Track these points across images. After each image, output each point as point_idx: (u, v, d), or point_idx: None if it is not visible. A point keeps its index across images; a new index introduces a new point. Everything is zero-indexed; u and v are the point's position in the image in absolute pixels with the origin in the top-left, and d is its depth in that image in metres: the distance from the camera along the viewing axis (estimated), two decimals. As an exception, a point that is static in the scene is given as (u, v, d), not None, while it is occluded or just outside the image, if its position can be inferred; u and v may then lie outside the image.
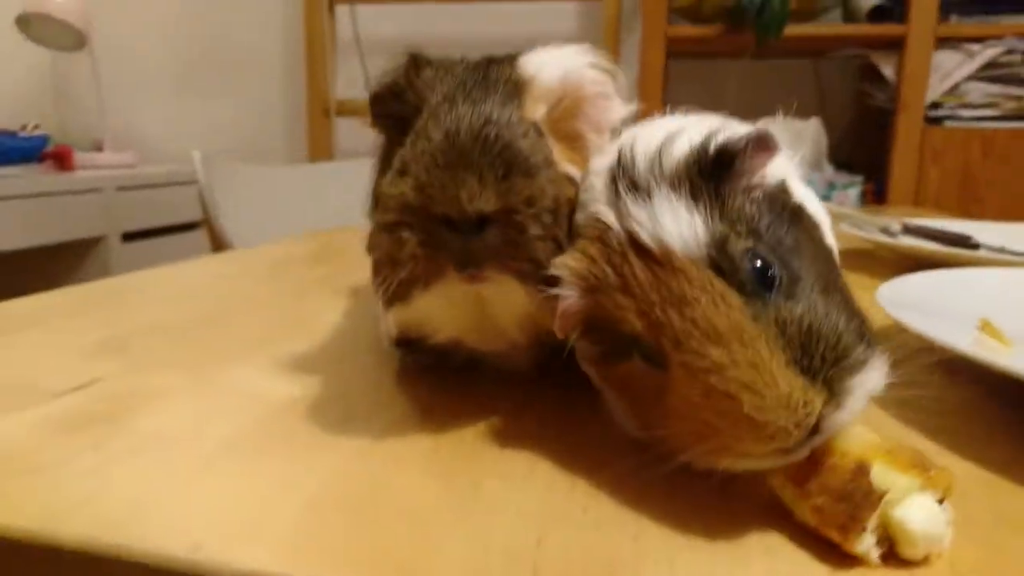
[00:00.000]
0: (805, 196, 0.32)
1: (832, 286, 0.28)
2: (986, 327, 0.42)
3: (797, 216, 0.30)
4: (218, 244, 1.31)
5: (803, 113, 1.74)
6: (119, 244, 2.00)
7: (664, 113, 0.35)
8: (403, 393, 0.38)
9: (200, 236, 1.55)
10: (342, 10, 2.21)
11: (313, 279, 0.70)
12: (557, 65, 0.33)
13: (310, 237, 0.96)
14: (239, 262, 0.80)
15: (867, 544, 0.23)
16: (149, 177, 2.11)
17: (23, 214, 1.74)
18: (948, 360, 0.35)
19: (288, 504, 0.26)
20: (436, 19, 2.21)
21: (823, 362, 0.25)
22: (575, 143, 0.34)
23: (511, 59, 0.34)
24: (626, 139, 0.32)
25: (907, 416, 0.35)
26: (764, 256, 0.27)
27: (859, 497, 0.23)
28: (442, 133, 0.29)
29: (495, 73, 0.32)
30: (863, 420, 0.27)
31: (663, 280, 0.26)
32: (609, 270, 0.28)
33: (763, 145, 0.29)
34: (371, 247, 0.33)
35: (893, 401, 0.35)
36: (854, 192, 1.63)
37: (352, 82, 2.20)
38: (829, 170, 1.72)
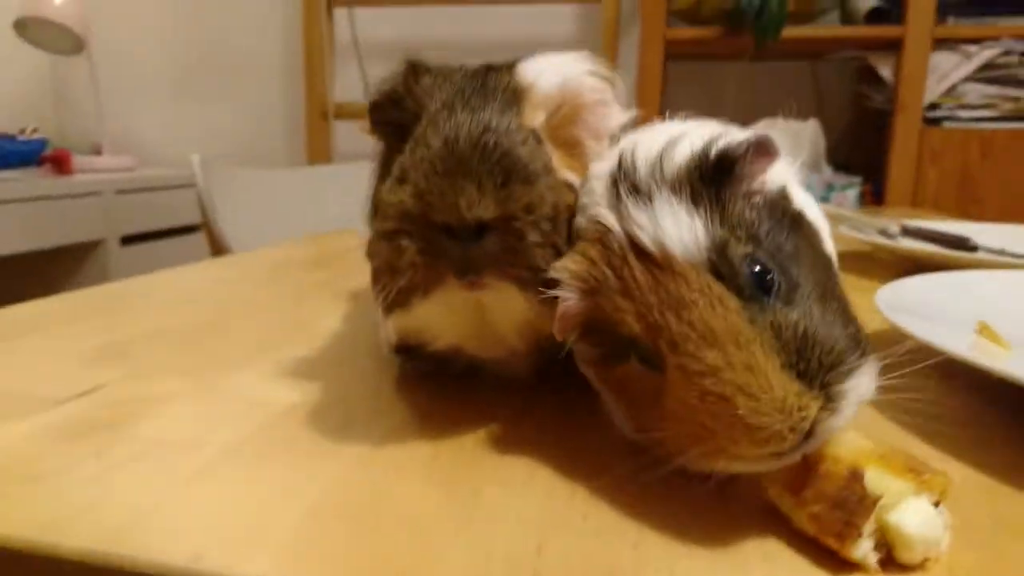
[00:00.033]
0: (805, 202, 0.33)
1: (830, 293, 0.28)
2: (984, 330, 0.43)
3: (797, 223, 0.30)
4: (217, 248, 1.31)
5: (801, 114, 1.75)
6: (118, 248, 2.00)
7: (664, 118, 0.35)
8: (403, 399, 0.38)
9: (199, 239, 1.55)
10: (340, 13, 2.22)
11: (313, 283, 0.70)
12: (556, 72, 0.33)
13: (309, 241, 0.96)
14: (239, 266, 0.80)
15: (864, 550, 0.23)
16: (148, 180, 2.11)
17: (22, 218, 1.74)
18: (946, 364, 0.35)
19: (289, 512, 0.27)
20: (434, 22, 2.22)
21: (819, 367, 0.25)
22: (574, 150, 0.34)
23: (509, 66, 0.34)
24: (627, 144, 0.32)
25: (905, 420, 0.35)
26: (763, 261, 0.27)
27: (854, 503, 0.24)
28: (441, 141, 0.30)
29: (494, 80, 0.32)
30: (859, 426, 0.27)
31: (662, 283, 0.27)
32: (609, 272, 0.28)
33: (763, 150, 0.29)
34: (370, 254, 0.33)
35: (891, 406, 0.35)
36: (852, 193, 1.64)
37: (350, 85, 2.20)
38: (828, 171, 1.72)
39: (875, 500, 0.23)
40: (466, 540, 0.25)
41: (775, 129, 1.65)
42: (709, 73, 2.09)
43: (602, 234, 0.29)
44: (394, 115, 0.33)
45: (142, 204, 2.07)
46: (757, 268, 0.27)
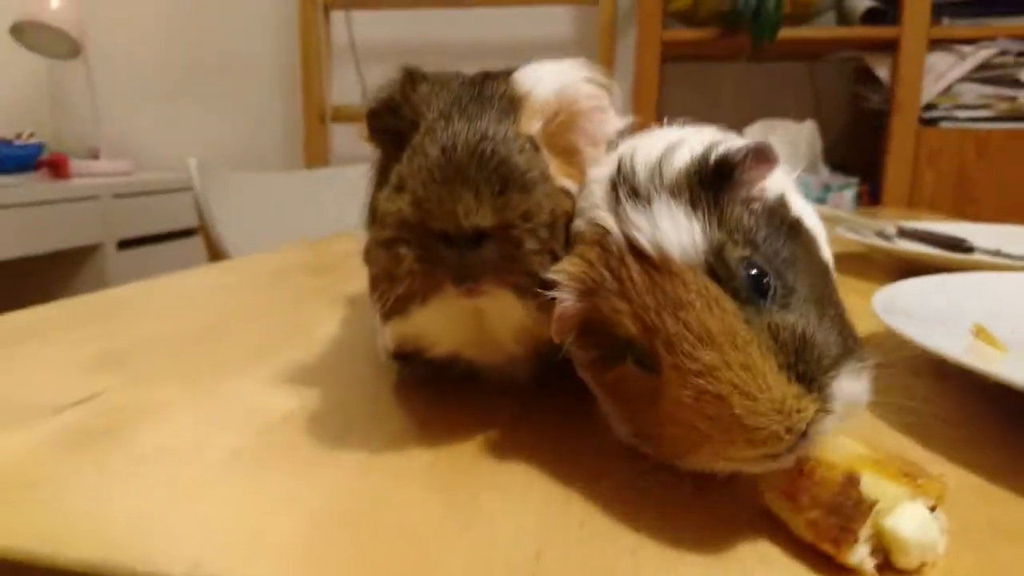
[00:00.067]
0: (803, 210, 0.33)
1: (826, 300, 0.29)
2: (980, 333, 0.43)
3: (794, 229, 0.30)
4: (214, 252, 1.31)
5: (798, 115, 1.75)
6: (115, 252, 2.00)
7: (661, 123, 0.35)
8: (401, 405, 0.38)
9: (196, 242, 1.56)
10: (337, 16, 2.22)
11: (311, 288, 0.70)
12: (552, 80, 0.33)
13: (307, 245, 0.96)
14: (237, 271, 0.80)
15: (861, 555, 0.23)
16: (145, 184, 2.11)
17: (19, 222, 1.74)
18: (943, 366, 0.35)
19: (289, 520, 0.27)
20: (431, 24, 2.22)
21: (816, 369, 0.25)
22: (571, 157, 0.34)
23: (506, 74, 0.34)
24: (626, 149, 0.32)
25: (901, 423, 0.35)
26: (759, 265, 0.27)
27: (849, 508, 0.24)
28: (438, 149, 0.30)
29: (491, 89, 0.33)
30: (856, 430, 0.27)
31: (659, 284, 0.27)
32: (607, 274, 0.28)
33: (763, 157, 0.30)
34: (368, 261, 0.33)
35: (887, 409, 0.35)
36: (850, 194, 1.64)
37: (348, 88, 2.20)
38: (825, 172, 1.73)
39: (871, 505, 0.24)
40: (465, 547, 0.25)
41: (772, 130, 1.65)
42: (706, 74, 2.10)
43: (601, 237, 0.29)
44: (391, 123, 0.34)
45: (139, 208, 2.07)
46: (754, 271, 0.27)
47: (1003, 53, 1.64)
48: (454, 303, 0.31)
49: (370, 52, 2.22)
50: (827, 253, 0.33)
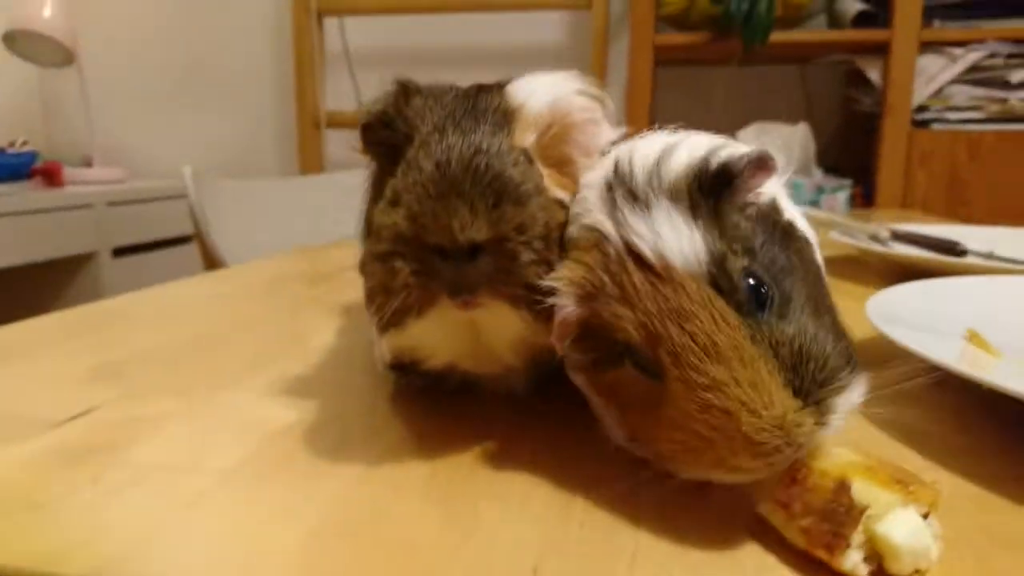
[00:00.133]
0: (794, 214, 0.33)
1: (822, 307, 0.29)
2: (973, 338, 0.43)
3: (788, 234, 0.31)
4: (210, 259, 1.31)
5: (790, 118, 1.76)
6: (110, 259, 2.00)
7: (654, 128, 0.35)
8: (399, 416, 0.39)
9: (192, 250, 1.56)
10: (330, 22, 2.22)
11: (306, 298, 0.70)
12: (546, 92, 0.34)
13: (302, 253, 0.96)
14: (232, 281, 0.80)
15: (853, 561, 0.24)
16: (139, 192, 2.11)
17: (13, 231, 1.73)
18: (937, 372, 0.35)
19: (288, 532, 0.27)
20: (424, 30, 2.22)
21: (812, 383, 0.26)
22: (565, 168, 0.35)
23: (500, 87, 0.34)
24: (623, 151, 0.32)
25: (897, 431, 0.35)
26: (758, 275, 0.28)
27: (841, 514, 0.24)
28: (433, 164, 0.30)
29: (484, 102, 0.33)
30: (852, 436, 0.27)
31: (662, 293, 0.27)
32: (606, 278, 0.28)
33: (763, 166, 0.30)
34: (365, 274, 0.33)
35: (883, 416, 0.35)
36: (843, 196, 1.65)
37: (342, 94, 2.20)
38: (818, 174, 1.74)
39: (862, 511, 0.24)
40: (464, 559, 0.25)
41: (765, 133, 1.66)
42: (698, 78, 2.10)
43: (598, 241, 0.29)
44: (386, 136, 0.34)
45: (134, 216, 2.07)
46: (753, 282, 0.27)
47: (993, 55, 1.65)
48: (450, 315, 0.31)
49: (363, 58, 2.22)
50: (819, 256, 0.34)
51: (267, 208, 1.51)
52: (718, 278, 0.27)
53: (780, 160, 0.31)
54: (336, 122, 2.17)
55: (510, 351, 0.34)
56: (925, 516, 0.25)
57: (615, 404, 0.30)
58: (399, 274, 0.30)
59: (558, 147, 0.34)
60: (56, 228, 1.84)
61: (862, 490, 0.24)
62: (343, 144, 2.17)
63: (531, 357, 0.34)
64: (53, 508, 0.28)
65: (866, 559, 0.24)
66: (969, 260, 0.74)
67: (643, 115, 1.79)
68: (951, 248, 0.77)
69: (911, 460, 0.32)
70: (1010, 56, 1.64)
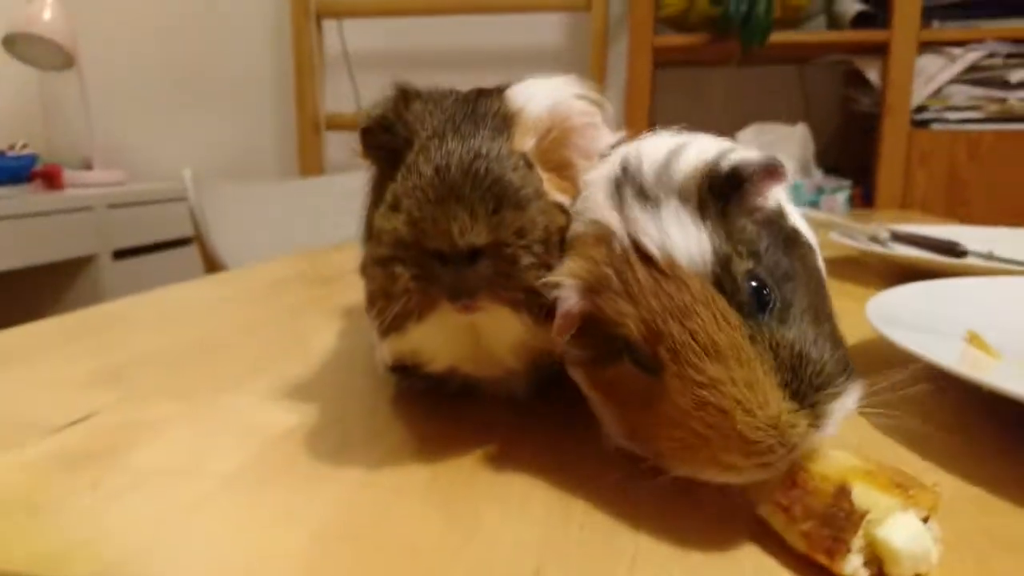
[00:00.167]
0: (799, 221, 0.33)
1: (821, 314, 0.29)
2: (974, 340, 0.43)
3: (792, 240, 0.31)
4: (210, 262, 1.31)
5: (790, 119, 1.76)
6: (110, 262, 2.00)
7: (654, 129, 0.36)
8: (400, 419, 0.39)
9: (192, 252, 1.56)
10: (329, 25, 2.22)
11: (307, 300, 0.70)
12: (545, 96, 0.34)
13: (303, 256, 0.96)
14: (233, 284, 0.80)
15: (854, 565, 0.24)
16: (139, 194, 2.11)
17: (13, 234, 1.73)
18: (937, 372, 0.35)
19: (289, 536, 0.27)
20: (423, 32, 2.22)
21: (809, 387, 0.26)
22: (565, 172, 0.35)
23: (499, 91, 0.34)
24: (630, 150, 0.32)
25: (898, 434, 0.35)
26: (762, 278, 0.28)
27: (841, 519, 0.24)
28: (432, 168, 0.30)
29: (484, 106, 0.33)
30: (853, 440, 0.27)
31: (666, 290, 0.27)
32: (611, 273, 0.28)
33: (773, 172, 0.30)
34: (366, 278, 0.33)
35: (883, 419, 0.35)
36: (842, 196, 1.65)
37: (341, 96, 2.20)
38: (817, 175, 1.74)
39: (862, 515, 0.24)
40: (465, 561, 0.25)
41: (764, 134, 1.66)
42: (697, 79, 2.11)
43: (605, 236, 0.29)
44: (385, 140, 0.34)
45: (134, 218, 2.07)
46: (755, 284, 0.28)
47: (992, 55, 1.65)
48: (451, 319, 0.31)
49: (363, 60, 2.22)
50: (821, 262, 0.34)
51: (267, 210, 1.51)
52: (722, 279, 0.27)
53: (788, 168, 0.31)
54: (336, 124, 2.18)
55: (510, 354, 0.34)
56: (925, 520, 0.25)
57: (613, 401, 0.30)
58: (399, 279, 0.30)
59: (558, 151, 0.34)
60: (56, 231, 1.84)
61: (862, 494, 0.24)
62: (343, 146, 2.18)
63: (531, 360, 0.35)
64: (54, 512, 0.28)
65: (866, 563, 0.24)
66: (969, 261, 0.74)
67: (642, 116, 1.79)
68: (951, 249, 0.77)
69: (911, 463, 0.33)
70: (1009, 56, 1.64)
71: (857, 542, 0.24)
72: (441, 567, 0.25)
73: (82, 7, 2.29)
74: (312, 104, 2.16)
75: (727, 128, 0.34)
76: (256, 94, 2.42)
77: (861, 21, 1.74)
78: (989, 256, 0.76)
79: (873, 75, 1.77)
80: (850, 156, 1.91)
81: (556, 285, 0.29)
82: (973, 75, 1.68)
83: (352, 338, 0.54)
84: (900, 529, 0.24)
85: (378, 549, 0.26)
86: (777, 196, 0.32)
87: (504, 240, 0.30)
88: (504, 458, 0.33)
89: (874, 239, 0.83)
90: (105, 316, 0.62)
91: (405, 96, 0.34)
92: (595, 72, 1.97)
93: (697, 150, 0.31)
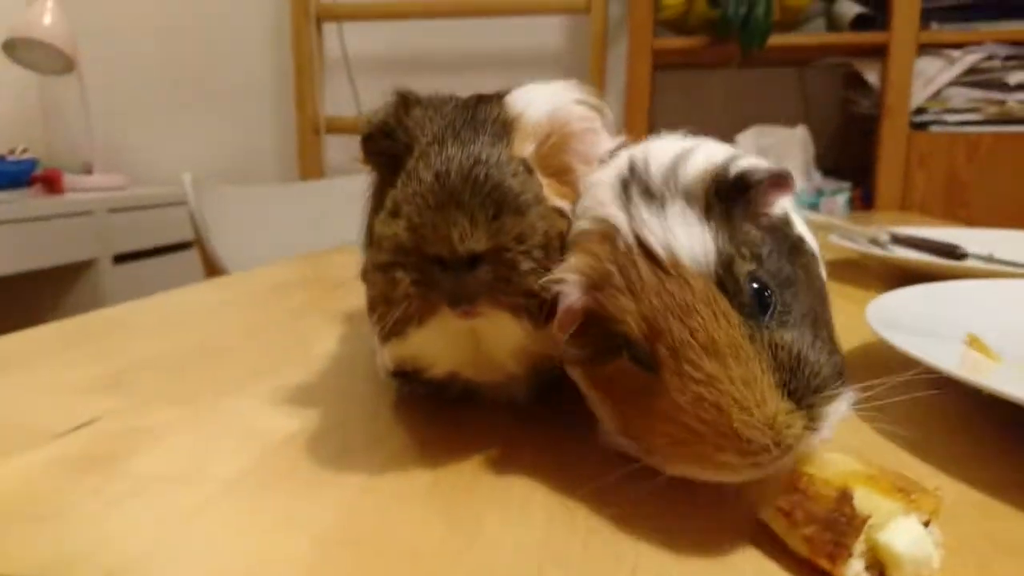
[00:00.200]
0: (804, 231, 0.34)
1: (821, 321, 0.30)
2: (974, 342, 0.43)
3: (797, 249, 0.31)
4: (211, 266, 1.31)
5: (789, 121, 1.76)
6: (111, 266, 2.00)
7: (654, 132, 0.36)
8: (401, 424, 0.39)
9: (192, 256, 1.56)
10: (329, 28, 2.22)
11: (308, 305, 0.70)
12: (544, 102, 0.34)
13: (304, 260, 0.97)
14: (234, 288, 0.80)
15: (855, 570, 0.24)
16: (140, 199, 2.11)
17: (13, 239, 1.73)
18: (939, 377, 0.36)
19: (291, 542, 0.27)
20: (423, 35, 2.23)
21: (806, 388, 0.27)
22: (565, 176, 0.35)
23: (499, 97, 0.35)
24: (637, 152, 0.33)
25: (899, 437, 0.35)
26: (764, 280, 0.28)
27: (843, 524, 0.24)
28: (432, 175, 0.30)
29: (483, 112, 0.33)
30: (854, 444, 0.27)
31: (668, 288, 0.27)
32: (614, 269, 0.29)
33: (781, 182, 0.30)
34: (367, 284, 0.34)
35: (885, 423, 0.35)
36: (842, 198, 1.65)
37: (341, 99, 2.20)
38: (817, 177, 1.74)
39: (864, 520, 0.24)
40: (467, 566, 0.25)
41: (764, 136, 1.66)
42: (697, 81, 2.11)
43: (609, 233, 0.30)
44: (386, 146, 0.34)
45: (134, 222, 2.07)
46: (757, 286, 0.28)
47: (991, 57, 1.65)
48: (451, 324, 0.31)
49: (362, 63, 2.22)
50: (824, 272, 0.34)
51: (267, 214, 1.52)
52: (724, 279, 0.27)
53: (778, 161, 0.32)
54: (336, 128, 2.18)
55: (511, 359, 0.34)
56: (927, 524, 0.25)
57: (610, 398, 0.31)
58: (399, 284, 0.30)
59: (557, 156, 0.35)
60: (56, 235, 1.84)
61: (864, 499, 0.25)
62: (343, 150, 2.18)
63: (532, 365, 0.35)
64: (56, 519, 0.28)
65: (868, 568, 0.24)
66: (969, 263, 0.74)
67: (642, 119, 1.79)
68: (951, 251, 0.77)
69: (912, 467, 0.33)
70: (1008, 58, 1.65)
71: (859, 547, 0.24)
72: (443, 572, 0.25)
73: (82, 11, 2.29)
74: (312, 107, 2.16)
75: (727, 130, 0.34)
76: (256, 98, 2.43)
77: (860, 23, 1.75)
78: (989, 259, 0.77)
79: (872, 77, 1.77)
80: (849, 158, 1.91)
81: (559, 280, 0.30)
82: (972, 77, 1.68)
83: (353, 343, 0.54)
84: (902, 533, 0.24)
85: (379, 554, 0.26)
86: (784, 205, 0.32)
87: (504, 245, 0.30)
88: (505, 462, 0.33)
89: (874, 242, 0.83)
90: (106, 321, 0.62)
91: (405, 102, 0.35)
92: (594, 75, 1.98)
93: (705, 155, 0.31)
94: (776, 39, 1.70)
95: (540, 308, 0.31)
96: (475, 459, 0.34)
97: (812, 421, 0.26)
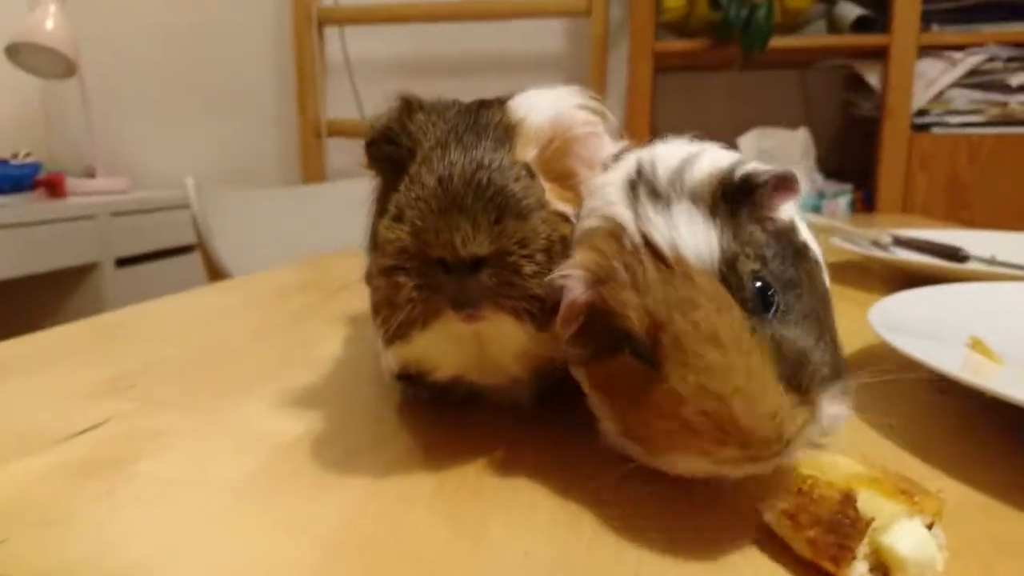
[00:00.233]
0: (809, 237, 0.34)
1: (823, 323, 0.30)
2: (976, 345, 0.43)
3: (801, 253, 0.32)
4: (213, 269, 1.31)
5: (790, 123, 1.76)
6: (113, 270, 2.00)
7: (655, 135, 0.36)
8: (405, 427, 0.39)
9: (195, 259, 1.56)
10: (331, 31, 2.23)
11: (312, 308, 0.70)
12: (547, 107, 0.34)
13: (307, 263, 0.97)
14: (237, 291, 0.80)
15: (859, 572, 0.24)
16: (142, 202, 2.12)
17: (16, 243, 1.74)
18: (942, 379, 0.36)
19: (298, 545, 0.27)
20: (424, 38, 2.23)
21: (808, 384, 0.27)
22: (567, 181, 0.35)
23: (501, 102, 0.35)
24: (644, 154, 0.33)
25: (902, 439, 0.35)
26: (767, 279, 0.28)
27: (847, 526, 0.24)
28: (436, 179, 0.30)
29: (486, 117, 0.33)
30: (857, 448, 0.27)
31: (672, 283, 0.28)
32: (619, 266, 0.29)
33: (786, 185, 0.31)
34: (371, 287, 0.34)
35: (888, 425, 0.36)
36: (844, 200, 1.65)
37: (343, 102, 2.21)
38: (819, 179, 1.74)
39: (867, 522, 0.24)
40: (472, 569, 0.25)
41: (765, 138, 1.66)
42: (698, 84, 2.11)
43: (615, 231, 0.30)
44: (389, 151, 0.34)
45: (137, 226, 2.08)
46: (760, 285, 0.28)
47: (992, 59, 1.66)
48: (454, 328, 0.32)
49: (364, 66, 2.23)
50: (827, 278, 0.34)
51: (269, 217, 1.52)
52: (727, 276, 0.28)
53: (780, 163, 0.32)
54: (337, 131, 2.18)
55: (514, 363, 0.34)
56: (930, 526, 0.25)
57: (612, 396, 0.31)
58: (403, 288, 0.30)
59: (560, 161, 0.35)
60: (59, 239, 1.84)
61: (868, 501, 0.25)
62: (345, 153, 2.18)
63: (535, 368, 0.35)
64: (61, 523, 0.29)
65: (872, 570, 0.24)
66: (971, 266, 0.74)
67: (643, 121, 1.80)
68: (953, 254, 0.77)
69: (916, 469, 0.33)
70: (1009, 60, 1.65)
71: (863, 549, 0.24)
72: (448, 574, 0.25)
73: (84, 16, 2.30)
74: (314, 111, 2.16)
75: (728, 133, 0.34)
76: (258, 101, 2.43)
77: (861, 25, 1.75)
78: (991, 261, 0.77)
79: (873, 79, 1.77)
80: (851, 160, 1.91)
81: (564, 276, 0.30)
82: (973, 79, 1.68)
83: (357, 346, 0.54)
84: (905, 536, 0.24)
85: (384, 557, 0.26)
86: (790, 211, 0.33)
87: (507, 249, 0.30)
88: (509, 465, 0.33)
89: (876, 244, 0.83)
90: (109, 325, 0.62)
91: (408, 107, 0.35)
92: (595, 77, 1.98)
93: (711, 158, 0.32)
94: (777, 41, 1.70)
95: (543, 311, 0.31)
96: (479, 462, 0.34)
97: (813, 416, 0.27)
